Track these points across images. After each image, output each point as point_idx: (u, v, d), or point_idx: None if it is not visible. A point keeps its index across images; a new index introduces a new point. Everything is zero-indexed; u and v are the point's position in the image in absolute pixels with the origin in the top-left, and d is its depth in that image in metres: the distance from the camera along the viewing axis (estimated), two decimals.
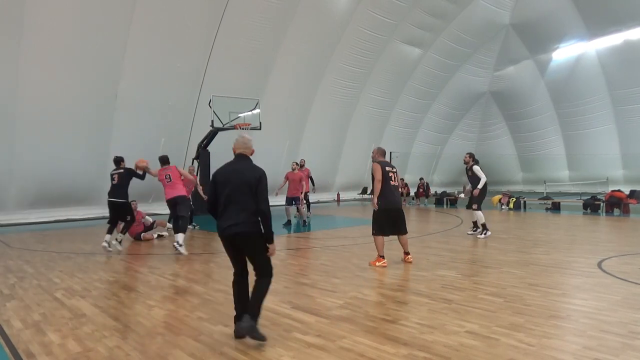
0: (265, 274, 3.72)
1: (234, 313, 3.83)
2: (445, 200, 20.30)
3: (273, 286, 5.50)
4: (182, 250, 7.73)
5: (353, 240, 9.29)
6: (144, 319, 4.34)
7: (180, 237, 7.81)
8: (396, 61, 22.02)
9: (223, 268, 6.89)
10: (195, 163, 15.76)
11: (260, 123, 15.36)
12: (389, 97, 23.37)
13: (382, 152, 7.00)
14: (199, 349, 3.55)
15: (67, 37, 13.10)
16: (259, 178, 3.66)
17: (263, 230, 3.67)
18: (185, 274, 6.48)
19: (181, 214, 8.24)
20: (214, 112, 14.47)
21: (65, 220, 14.66)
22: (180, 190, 8.39)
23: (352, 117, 22.36)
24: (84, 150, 14.51)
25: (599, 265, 6.40)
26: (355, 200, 23.84)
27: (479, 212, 9.42)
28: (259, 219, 3.66)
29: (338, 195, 23.11)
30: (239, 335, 3.70)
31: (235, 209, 3.62)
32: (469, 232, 9.99)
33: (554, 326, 3.89)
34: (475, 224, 9.81)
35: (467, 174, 9.96)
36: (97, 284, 5.91)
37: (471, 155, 9.88)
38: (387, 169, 6.72)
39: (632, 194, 15.28)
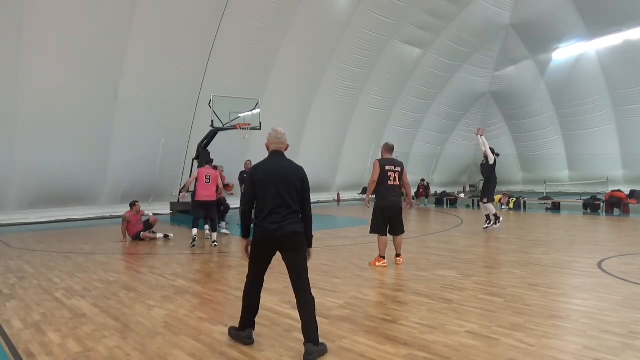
0: (307, 285, 3.47)
1: (235, 317, 3.82)
2: (445, 200, 20.29)
3: (273, 286, 5.54)
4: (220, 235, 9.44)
5: (353, 240, 9.29)
6: (144, 319, 4.34)
7: (215, 235, 9.09)
8: (396, 61, 21.99)
9: (223, 268, 6.90)
10: (196, 163, 15.76)
11: (260, 123, 15.33)
12: (389, 97, 23.35)
13: (388, 149, 6.84)
14: (199, 349, 3.55)
15: (67, 37, 13.09)
16: (302, 178, 3.55)
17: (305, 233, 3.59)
18: (185, 274, 6.48)
19: (214, 217, 9.24)
20: (214, 112, 14.44)
21: (65, 220, 14.66)
22: (215, 195, 9.11)
23: (352, 117, 22.34)
24: (84, 150, 14.51)
25: (599, 265, 6.39)
26: (355, 200, 23.83)
27: (489, 204, 10.20)
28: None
29: (338, 195, 23.10)
30: (249, 342, 3.61)
31: (282, 210, 3.45)
32: (485, 227, 10.37)
33: (554, 326, 3.89)
34: (487, 217, 10.28)
35: (480, 169, 10.80)
36: (97, 284, 5.91)
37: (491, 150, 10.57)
38: (388, 167, 6.58)
39: (632, 194, 15.26)
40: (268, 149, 3.69)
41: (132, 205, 10.11)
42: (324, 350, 3.37)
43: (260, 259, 3.60)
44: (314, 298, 3.47)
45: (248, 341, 3.61)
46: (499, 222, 10.15)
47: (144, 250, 8.74)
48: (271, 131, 3.71)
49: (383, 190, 6.56)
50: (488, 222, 10.28)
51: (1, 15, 11.97)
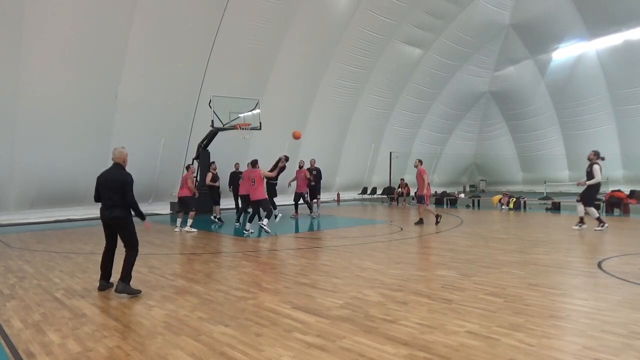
0: (131, 246, 5.37)
1: (138, 291, 5.21)
2: (445, 200, 20.29)
3: (273, 286, 5.54)
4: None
5: (353, 240, 9.29)
6: (144, 319, 4.34)
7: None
8: (396, 61, 22.01)
9: (223, 268, 6.89)
10: (195, 163, 15.77)
11: (260, 123, 15.37)
12: (389, 97, 23.37)
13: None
14: (199, 349, 3.55)
15: (67, 38, 13.10)
16: (122, 183, 5.28)
17: (134, 214, 5.40)
18: (185, 274, 6.48)
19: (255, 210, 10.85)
20: (214, 112, 14.47)
21: (65, 220, 14.65)
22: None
23: (352, 117, 22.35)
24: (84, 150, 14.51)
25: (599, 265, 6.39)
26: (355, 200, 23.83)
27: (591, 207, 10.17)
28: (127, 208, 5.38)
29: (338, 195, 23.11)
30: (103, 289, 5.46)
31: (110, 202, 5.27)
32: (574, 227, 10.45)
33: (554, 326, 3.88)
34: (582, 219, 10.42)
35: (586, 169, 10.31)
36: (97, 284, 5.90)
37: (596, 153, 10.18)
38: None
39: (632, 194, 15.26)
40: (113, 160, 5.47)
41: None
42: (130, 290, 5.18)
43: (106, 233, 5.51)
44: (134, 255, 5.35)
45: (100, 288, 5.48)
46: (603, 226, 9.89)
47: (144, 250, 8.74)
48: (115, 150, 5.52)
49: None
50: (580, 224, 10.43)
51: (2, 16, 11.97)
